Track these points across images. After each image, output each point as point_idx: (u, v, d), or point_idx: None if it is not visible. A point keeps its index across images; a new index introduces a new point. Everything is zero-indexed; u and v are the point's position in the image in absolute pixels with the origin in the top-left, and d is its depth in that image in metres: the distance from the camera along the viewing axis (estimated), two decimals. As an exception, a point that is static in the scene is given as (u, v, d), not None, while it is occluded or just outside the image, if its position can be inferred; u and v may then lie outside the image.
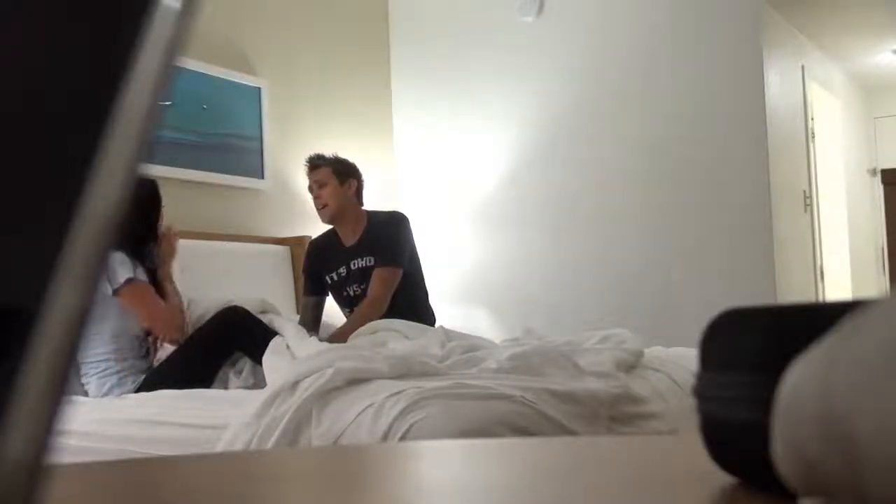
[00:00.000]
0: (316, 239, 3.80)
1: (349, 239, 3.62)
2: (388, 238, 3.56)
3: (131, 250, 3.03)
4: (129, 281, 2.95)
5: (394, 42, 5.35)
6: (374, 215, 3.66)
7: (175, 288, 3.22)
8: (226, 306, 3.13)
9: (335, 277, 3.63)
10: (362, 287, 3.56)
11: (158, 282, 3.14)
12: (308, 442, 2.19)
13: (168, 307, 3.11)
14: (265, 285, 4.04)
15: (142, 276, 3.01)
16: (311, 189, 3.63)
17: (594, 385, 2.32)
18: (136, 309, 3.03)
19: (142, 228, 3.08)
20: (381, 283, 3.48)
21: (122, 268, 2.95)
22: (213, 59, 4.16)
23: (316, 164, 3.63)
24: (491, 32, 4.98)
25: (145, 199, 3.08)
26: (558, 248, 4.74)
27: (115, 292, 2.96)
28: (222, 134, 4.23)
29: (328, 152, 3.69)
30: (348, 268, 3.60)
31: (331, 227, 3.69)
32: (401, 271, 3.53)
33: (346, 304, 3.64)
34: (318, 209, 3.61)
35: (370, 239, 3.58)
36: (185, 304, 3.27)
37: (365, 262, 3.56)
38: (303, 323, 3.47)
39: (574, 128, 4.73)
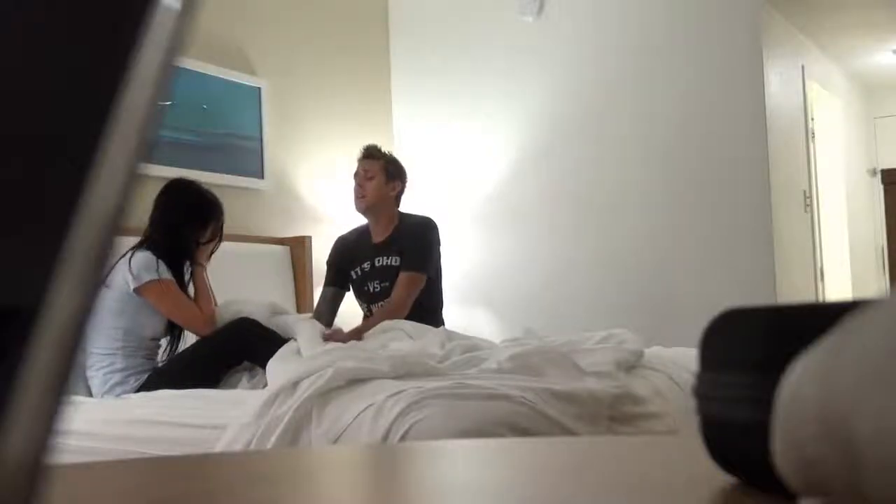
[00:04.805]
0: (345, 234, 3.84)
1: (378, 236, 3.66)
2: (419, 243, 3.58)
3: (167, 252, 3.03)
4: (152, 281, 2.97)
5: (394, 42, 5.34)
6: (405, 217, 3.70)
7: (208, 282, 3.23)
8: (236, 317, 3.12)
9: (359, 272, 3.66)
10: (383, 285, 3.58)
11: (193, 277, 3.16)
12: (308, 442, 2.19)
13: (197, 302, 3.12)
14: (265, 285, 4.04)
15: (166, 275, 3.01)
16: (356, 175, 3.67)
17: (594, 385, 2.32)
18: (163, 306, 3.04)
19: (186, 237, 3.10)
20: (405, 288, 3.50)
21: (147, 269, 2.96)
22: (213, 59, 4.16)
23: (371, 154, 3.68)
24: (491, 32, 4.98)
25: (197, 211, 3.11)
26: (559, 249, 4.73)
27: (137, 290, 2.97)
28: (222, 134, 4.23)
29: (385, 149, 3.78)
30: (372, 264, 3.63)
31: (361, 222, 3.74)
32: (425, 278, 3.56)
33: (367, 300, 3.66)
34: (356, 197, 3.65)
35: (398, 239, 3.61)
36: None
37: (390, 261, 3.59)
38: (318, 314, 3.52)
39: (574, 128, 4.73)
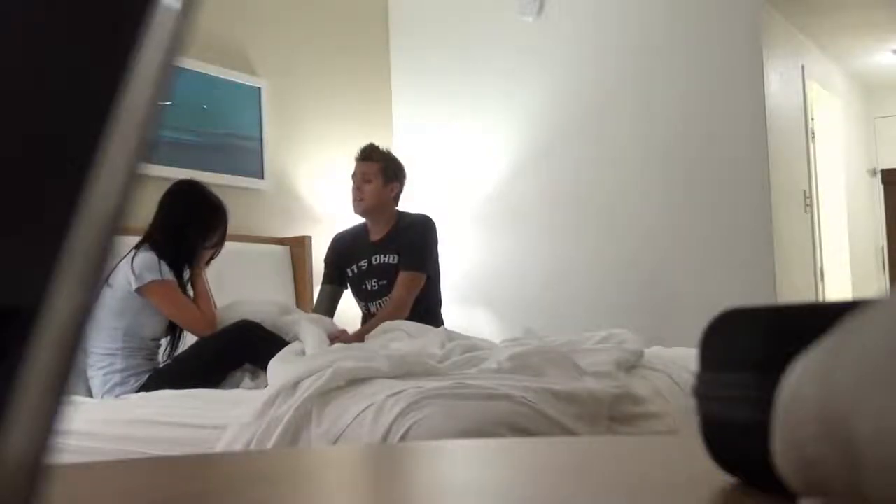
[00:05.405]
0: (342, 231, 3.84)
1: (376, 234, 3.66)
2: (418, 243, 3.58)
3: (170, 253, 3.03)
4: (154, 281, 2.97)
5: (394, 42, 5.34)
6: (404, 215, 3.69)
7: (207, 285, 3.23)
8: (238, 320, 3.12)
9: (356, 270, 3.66)
10: (381, 283, 3.58)
11: (192, 279, 3.15)
12: (308, 442, 2.19)
13: (197, 304, 3.12)
14: (265, 285, 4.04)
15: (168, 276, 3.01)
16: (354, 177, 3.65)
17: (594, 385, 2.32)
18: (164, 307, 3.04)
19: (190, 238, 3.09)
20: (405, 287, 3.50)
21: (149, 269, 2.96)
22: (213, 59, 4.16)
23: (368, 155, 3.66)
24: (491, 32, 4.98)
25: (201, 213, 3.11)
26: (559, 249, 4.73)
27: (139, 290, 2.97)
28: (222, 134, 4.23)
29: (382, 146, 3.74)
30: (370, 262, 3.62)
31: (358, 220, 3.74)
32: (425, 277, 3.55)
33: (364, 298, 3.66)
34: (354, 199, 3.63)
35: (396, 237, 3.61)
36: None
37: (387, 259, 3.59)
38: (317, 312, 3.52)
39: (574, 128, 4.73)
